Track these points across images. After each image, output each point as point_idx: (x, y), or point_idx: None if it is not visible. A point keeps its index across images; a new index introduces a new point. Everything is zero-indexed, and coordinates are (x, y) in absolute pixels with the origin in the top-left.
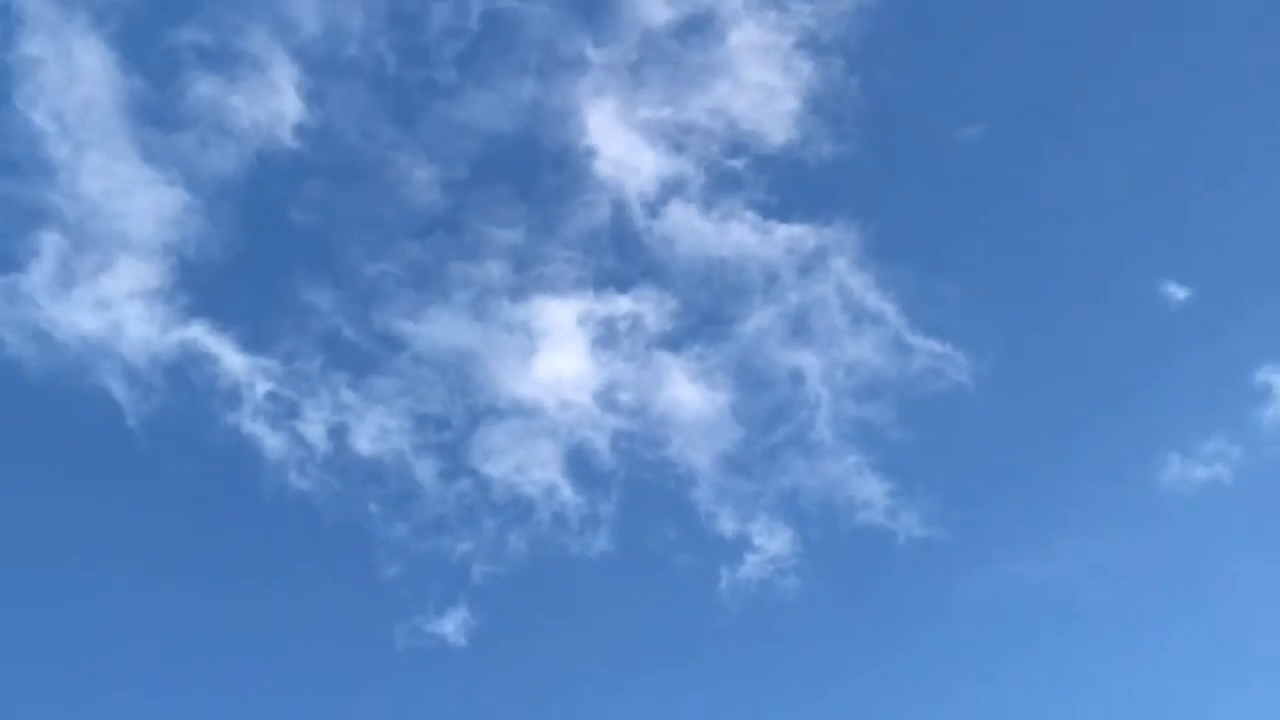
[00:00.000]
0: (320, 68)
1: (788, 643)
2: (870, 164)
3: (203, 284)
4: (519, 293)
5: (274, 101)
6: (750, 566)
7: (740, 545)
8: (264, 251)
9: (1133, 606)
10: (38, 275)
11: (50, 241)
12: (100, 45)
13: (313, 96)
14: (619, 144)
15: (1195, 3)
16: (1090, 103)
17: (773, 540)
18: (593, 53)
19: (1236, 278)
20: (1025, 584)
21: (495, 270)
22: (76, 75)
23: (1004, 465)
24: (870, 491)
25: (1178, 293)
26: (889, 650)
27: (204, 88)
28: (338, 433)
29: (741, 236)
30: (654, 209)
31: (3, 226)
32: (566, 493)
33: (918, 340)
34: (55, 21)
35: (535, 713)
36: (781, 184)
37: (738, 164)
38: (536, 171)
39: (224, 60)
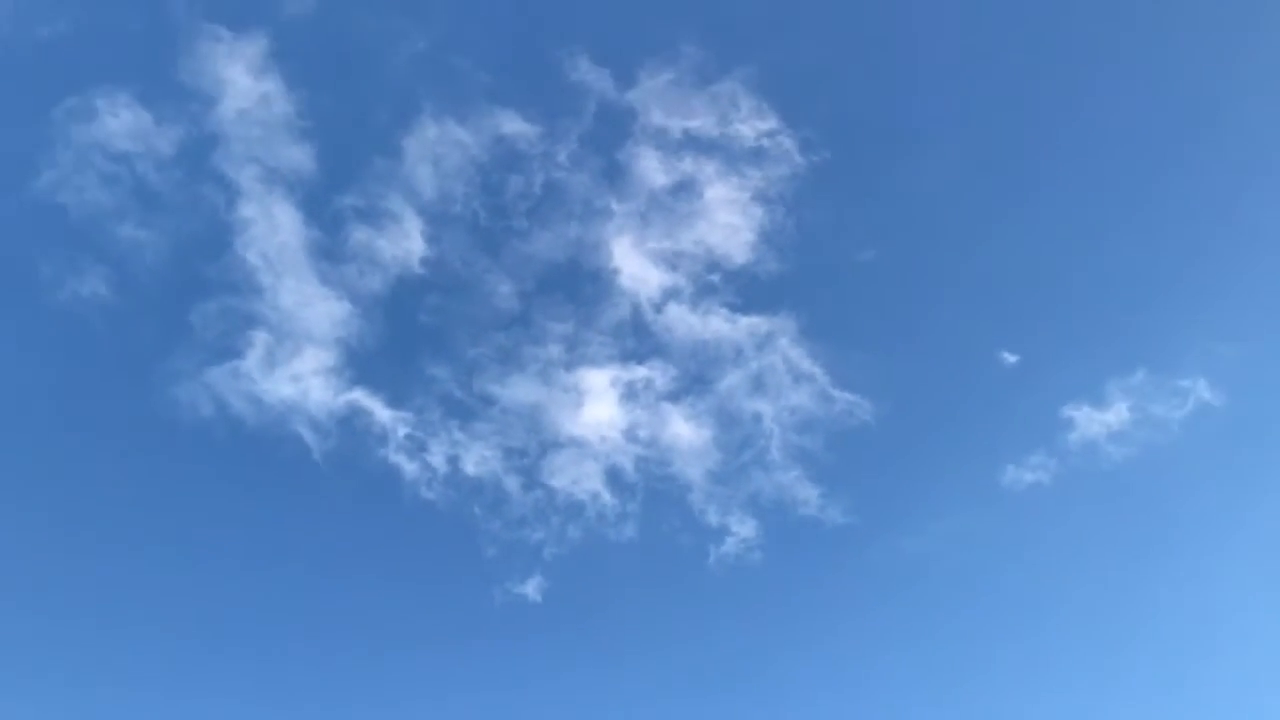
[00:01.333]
0: (436, 219)
1: (756, 598)
2: (803, 275)
3: (361, 364)
4: (570, 365)
5: (406, 243)
6: (729, 546)
7: (722, 532)
8: (401, 341)
9: (980, 569)
10: (251, 360)
11: (260, 338)
12: (290, 208)
13: (431, 238)
14: (634, 265)
15: (1027, 142)
16: (948, 233)
17: (743, 528)
18: (616, 206)
19: (1048, 347)
20: (908, 553)
21: (554, 350)
22: (275, 228)
23: (895, 474)
24: (807, 493)
25: (1009, 357)
26: (823, 601)
27: (360, 235)
28: (452, 460)
29: (718, 325)
30: (659, 308)
31: (228, 328)
32: (605, 498)
33: (837, 393)
34: (260, 192)
35: (588, 644)
36: (743, 289)
37: (714, 277)
38: (580, 284)
39: (372, 216)
